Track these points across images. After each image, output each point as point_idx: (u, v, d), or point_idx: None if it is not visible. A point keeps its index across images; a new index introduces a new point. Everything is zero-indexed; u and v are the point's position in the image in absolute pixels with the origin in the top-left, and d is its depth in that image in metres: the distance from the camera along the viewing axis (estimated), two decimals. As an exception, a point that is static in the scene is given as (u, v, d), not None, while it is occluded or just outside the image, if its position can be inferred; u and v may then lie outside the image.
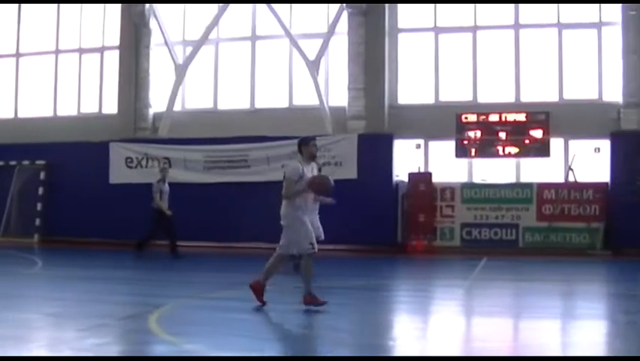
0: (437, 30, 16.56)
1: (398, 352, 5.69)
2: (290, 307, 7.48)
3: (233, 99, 17.45)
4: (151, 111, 17.58)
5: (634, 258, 13.60)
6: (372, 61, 16.34)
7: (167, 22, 17.49)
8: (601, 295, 9.56)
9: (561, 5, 15.98)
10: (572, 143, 15.99)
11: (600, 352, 5.67)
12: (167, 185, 13.42)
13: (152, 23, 17.35)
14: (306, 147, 7.43)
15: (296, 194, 7.19)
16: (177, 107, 17.49)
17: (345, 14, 16.43)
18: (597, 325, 7.03)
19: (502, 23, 16.30)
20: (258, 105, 17.25)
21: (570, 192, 15.33)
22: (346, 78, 16.50)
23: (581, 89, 16.02)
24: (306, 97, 16.79)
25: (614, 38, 15.88)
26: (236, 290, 8.68)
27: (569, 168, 15.81)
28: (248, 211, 15.35)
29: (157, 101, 17.64)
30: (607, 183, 15.19)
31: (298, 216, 7.23)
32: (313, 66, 16.44)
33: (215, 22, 17.04)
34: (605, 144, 15.36)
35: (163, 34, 17.37)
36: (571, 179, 15.70)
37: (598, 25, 16.04)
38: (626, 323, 6.98)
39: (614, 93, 15.83)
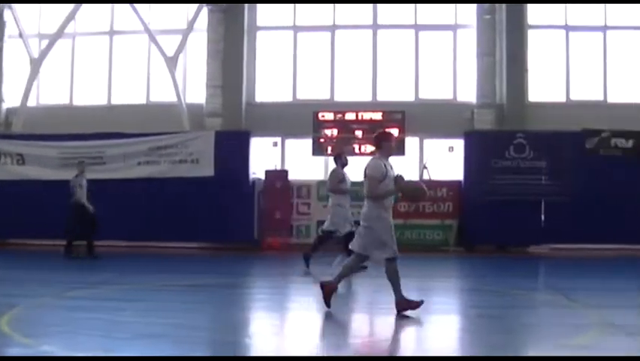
0: (296, 29, 17.60)
1: (255, 349, 5.96)
2: (147, 306, 7.78)
3: (90, 95, 18.06)
4: (4, 106, 17.99)
5: (485, 254, 14.72)
6: (230, 58, 17.20)
7: (23, 14, 18.08)
8: (454, 291, 10.34)
9: (418, 6, 17.29)
10: (426, 142, 17.08)
11: (452, 344, 6.35)
12: (85, 180, 13.58)
13: (7, 15, 17.91)
14: (388, 142, 7.22)
15: (386, 195, 7.03)
16: (32, 102, 17.93)
17: (204, 11, 17.38)
18: (450, 319, 7.71)
19: (361, 23, 17.49)
20: (115, 101, 17.85)
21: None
22: (204, 75, 17.33)
23: (436, 89, 17.19)
24: (163, 93, 17.50)
25: (469, 41, 17.23)
26: (90, 290, 8.90)
27: (423, 167, 16.91)
28: (102, 209, 15.61)
29: (10, 96, 18.11)
30: (460, 182, 16.11)
31: (384, 217, 7.06)
32: (171, 62, 17.19)
33: (72, 16, 17.65)
34: (459, 144, 16.33)
35: (18, 26, 17.95)
36: (425, 177, 16.74)
37: (453, 28, 17.38)
38: (477, 317, 7.69)
39: (468, 94, 17.07)
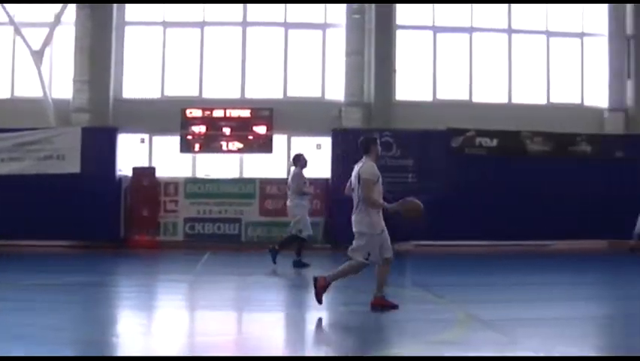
0: (165, 25, 19.94)
1: (122, 348, 6.56)
2: (11, 306, 8.45)
3: (-46, 89, 19.88)
4: None
5: None
6: (98, 53, 19.27)
7: None
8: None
9: (288, 5, 19.81)
10: (294, 139, 19.64)
11: (323, 341, 7.42)
12: None
13: None
14: (375, 145, 8.57)
15: (381, 207, 8.37)
16: None
17: (72, 5, 19.54)
18: (317, 315, 8.66)
19: (230, 20, 19.90)
20: (-22, 96, 19.77)
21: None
22: (72, 70, 19.49)
23: (304, 87, 19.73)
24: (29, 88, 19.48)
25: (338, 40, 19.90)
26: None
27: (290, 164, 19.44)
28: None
29: None
30: (328, 180, 18.47)
31: (380, 221, 8.42)
32: (37, 56, 19.12)
33: None
34: (327, 141, 18.81)
35: None
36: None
37: (323, 27, 20.01)
38: (347, 313, 8.94)
39: (336, 92, 19.68)
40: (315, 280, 8.58)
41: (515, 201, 17.96)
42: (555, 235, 18.36)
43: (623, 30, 20.12)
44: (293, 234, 13.54)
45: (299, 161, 13.63)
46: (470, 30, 19.75)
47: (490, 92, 19.81)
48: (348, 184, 8.80)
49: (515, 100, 19.88)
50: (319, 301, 8.52)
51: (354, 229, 8.50)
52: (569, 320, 8.48)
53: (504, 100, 19.81)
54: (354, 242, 8.52)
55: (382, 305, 8.47)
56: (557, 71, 20.18)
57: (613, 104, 20.06)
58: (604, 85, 20.13)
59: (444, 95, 19.70)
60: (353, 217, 8.52)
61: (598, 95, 20.18)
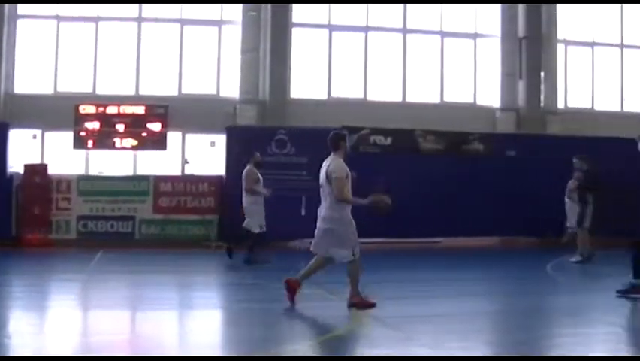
0: (59, 19, 21.27)
1: (14, 349, 6.83)
2: None
3: None
4: None
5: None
6: (-12, 47, 20.98)
7: None
8: (216, 285, 12.55)
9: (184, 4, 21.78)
10: (189, 136, 21.74)
11: (215, 339, 8.00)
12: None
13: None
14: (344, 142, 9.50)
15: (354, 203, 9.17)
16: None
17: (-40, -3, 21.05)
18: (212, 313, 9.44)
19: (125, 16, 21.77)
20: None
21: (186, 184, 20.16)
22: (-40, 64, 21.03)
23: (199, 84, 21.82)
24: None
25: (233, 36, 22.04)
26: None
27: (185, 161, 21.54)
28: None
29: None
30: (222, 177, 20.16)
31: (348, 217, 9.24)
32: None
33: None
34: (221, 139, 20.76)
35: None
36: (187, 172, 21.34)
37: (219, 23, 22.14)
38: (240, 311, 9.57)
39: (231, 89, 21.81)
40: (287, 282, 9.38)
41: (408, 199, 20.11)
42: (447, 232, 20.48)
43: (515, 31, 22.72)
44: (246, 232, 14.81)
45: (252, 159, 15.06)
46: (365, 29, 22.05)
47: (384, 91, 22.06)
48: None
49: (410, 99, 22.21)
50: (293, 302, 9.34)
51: (323, 226, 9.35)
52: (460, 315, 9.39)
53: (398, 99, 22.10)
54: (318, 238, 9.40)
55: (359, 305, 9.29)
56: (451, 70, 22.63)
57: (505, 103, 22.63)
58: (496, 85, 22.64)
59: (339, 93, 21.85)
60: (323, 214, 9.38)
61: (490, 95, 22.70)
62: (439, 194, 19.39)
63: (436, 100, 22.33)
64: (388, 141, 20.78)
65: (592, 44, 24.11)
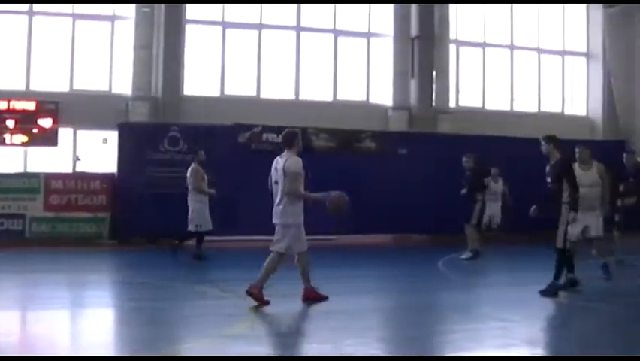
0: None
1: None
2: None
3: None
4: None
5: (139, 247, 18.78)
6: None
7: None
8: (108, 284, 12.92)
9: (76, -2, 23.02)
10: (80, 133, 23.01)
11: (107, 338, 8.29)
12: None
13: None
14: (298, 139, 10.24)
15: (304, 195, 9.90)
16: None
17: None
18: (104, 312, 9.71)
19: (16, 9, 22.79)
20: None
21: (78, 182, 21.14)
22: None
23: (91, 80, 23.12)
24: None
25: (126, 32, 23.36)
26: None
27: (76, 158, 22.71)
28: None
29: None
30: (114, 174, 21.28)
31: (301, 213, 9.91)
32: None
33: None
34: (114, 135, 21.97)
35: None
36: (79, 169, 22.49)
37: (111, 19, 23.31)
38: (132, 309, 9.85)
39: (123, 86, 23.18)
40: (250, 293, 9.94)
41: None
42: (340, 229, 21.64)
43: (408, 31, 24.81)
44: (191, 230, 15.98)
45: (197, 157, 16.14)
46: (259, 27, 23.82)
47: (278, 89, 23.90)
48: (269, 179, 10.36)
49: (303, 97, 24.07)
50: (267, 302, 9.94)
51: (277, 221, 10.10)
52: (354, 312, 9.93)
53: (291, 97, 23.90)
54: (278, 235, 10.14)
55: (314, 298, 10.12)
56: (344, 69, 24.59)
57: (397, 102, 24.70)
58: (389, 84, 24.63)
59: (232, 90, 23.54)
60: (277, 210, 10.10)
61: (383, 94, 24.70)
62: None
63: (329, 98, 24.15)
64: (281, 138, 21.95)
65: (483, 45, 26.40)
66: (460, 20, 25.92)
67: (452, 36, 25.52)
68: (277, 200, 10.18)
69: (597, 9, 27.48)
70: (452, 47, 25.58)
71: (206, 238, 17.83)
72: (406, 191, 21.87)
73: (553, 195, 11.85)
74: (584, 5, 27.58)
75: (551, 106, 27.72)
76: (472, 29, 26.25)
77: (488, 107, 26.31)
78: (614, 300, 11.43)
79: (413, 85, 24.66)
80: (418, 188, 21.91)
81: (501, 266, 16.80)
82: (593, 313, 10.61)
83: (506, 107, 26.69)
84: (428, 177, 21.65)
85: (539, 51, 27.51)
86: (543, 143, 11.84)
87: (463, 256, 16.59)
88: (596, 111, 27.98)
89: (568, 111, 28.05)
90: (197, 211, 16.04)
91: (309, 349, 8.05)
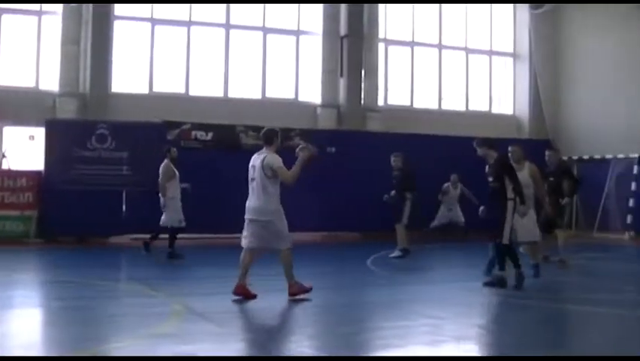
0: None
1: None
2: None
3: None
4: None
5: (66, 246, 18.78)
6: None
7: None
8: (34, 283, 12.89)
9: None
10: (6, 130, 22.94)
11: (35, 338, 8.30)
12: None
13: None
14: (277, 138, 10.79)
15: (298, 172, 10.51)
16: None
17: None
18: (30, 312, 9.78)
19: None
20: None
21: (4, 179, 20.99)
22: None
23: (17, 76, 22.96)
24: None
25: (53, 28, 23.33)
26: None
27: (2, 155, 22.58)
28: None
29: None
30: (41, 172, 21.19)
31: (281, 209, 10.54)
32: None
33: None
34: (41, 132, 21.83)
35: None
36: (5, 166, 22.20)
37: (38, 13, 23.42)
38: (60, 309, 9.95)
39: (51, 82, 23.14)
40: (237, 293, 10.53)
41: (231, 194, 21.94)
42: None
43: (337, 29, 25.19)
44: (175, 226, 16.27)
45: (169, 153, 16.46)
46: (188, 24, 24.01)
47: (207, 86, 24.14)
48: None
49: (232, 94, 24.31)
50: (254, 296, 10.58)
51: (259, 218, 10.63)
52: (283, 310, 10.30)
53: (220, 94, 24.12)
54: (248, 231, 10.77)
55: (299, 291, 10.64)
56: (273, 67, 24.92)
57: (326, 100, 25.13)
58: (318, 82, 25.03)
59: (161, 87, 23.69)
60: (256, 206, 10.66)
61: (312, 92, 25.08)
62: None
63: (258, 96, 24.41)
64: (209, 136, 22.71)
65: (412, 44, 26.97)
66: (389, 19, 26.40)
67: (381, 35, 25.97)
68: (253, 197, 10.74)
69: (524, 10, 28.14)
70: (381, 46, 26.03)
71: (136, 236, 18.47)
72: (335, 189, 22.45)
73: (496, 193, 12.40)
74: (511, 6, 28.26)
75: (479, 105, 28.37)
76: (401, 28, 26.72)
77: (417, 105, 26.83)
78: (543, 296, 11.97)
79: (342, 83, 25.04)
80: (346, 186, 22.48)
81: (431, 264, 17.21)
82: (522, 309, 10.95)
83: (434, 106, 27.21)
84: (357, 175, 22.04)
85: (467, 51, 28.08)
86: (477, 148, 12.30)
87: (393, 255, 16.94)
88: (523, 110, 28.69)
89: (495, 110, 28.72)
90: (174, 209, 16.47)
91: (238, 348, 8.16)
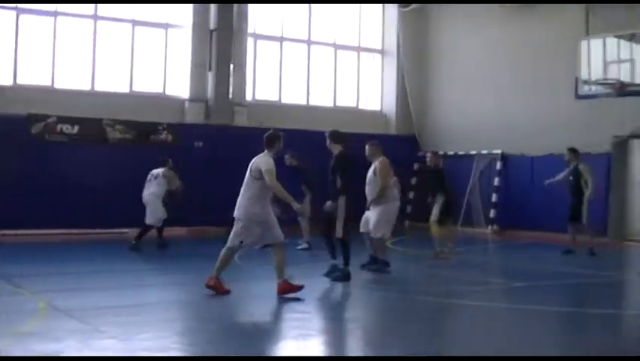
0: None
1: None
2: None
3: None
4: None
5: None
6: None
7: None
8: None
9: None
10: None
11: None
12: None
13: None
14: (279, 142, 11.78)
15: (281, 192, 11.38)
16: None
17: None
18: None
19: None
20: None
21: None
22: None
23: None
24: None
25: None
26: None
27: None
28: None
29: None
30: None
31: (270, 210, 11.46)
32: None
33: None
34: None
35: None
36: None
37: None
38: None
39: None
40: (209, 287, 11.49)
41: (96, 189, 22.79)
42: (135, 222, 21.89)
43: (207, 23, 26.04)
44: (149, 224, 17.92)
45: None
46: (55, 14, 24.30)
47: (73, 79, 24.55)
48: None
49: (98, 88, 24.89)
50: (227, 291, 11.49)
51: (256, 219, 11.48)
52: (145, 306, 10.69)
53: (87, 87, 24.67)
54: (237, 229, 11.61)
55: (290, 289, 11.39)
56: (141, 60, 25.57)
57: (194, 94, 25.97)
58: (186, 76, 25.89)
59: (25, 79, 24.03)
60: (245, 205, 11.51)
61: (180, 86, 25.92)
62: (127, 184, 20.75)
63: (126, 89, 24.94)
64: (75, 129, 23.38)
65: (281, 39, 28.00)
66: (259, 14, 27.24)
67: (251, 29, 26.81)
68: (245, 196, 11.55)
69: (392, 7, 29.62)
70: (250, 41, 26.91)
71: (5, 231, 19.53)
72: (202, 183, 23.54)
73: (334, 187, 13.76)
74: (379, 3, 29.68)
75: (347, 101, 29.64)
76: (271, 23, 27.62)
77: (285, 101, 27.88)
78: (400, 289, 13.03)
79: (210, 77, 25.82)
80: (215, 180, 23.60)
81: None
82: (377, 301, 11.93)
83: (303, 102, 28.34)
84: (225, 169, 22.98)
85: (336, 47, 29.31)
86: (327, 138, 13.67)
87: (299, 247, 18.37)
88: (390, 107, 30.24)
89: (363, 106, 30.12)
90: (157, 207, 18.53)
91: (101, 345, 8.27)
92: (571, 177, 18.93)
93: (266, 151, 11.63)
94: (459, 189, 25.22)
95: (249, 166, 11.53)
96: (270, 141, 11.69)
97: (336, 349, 8.87)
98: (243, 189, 11.49)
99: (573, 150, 19.29)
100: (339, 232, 13.08)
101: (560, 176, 19.73)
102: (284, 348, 8.83)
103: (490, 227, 24.89)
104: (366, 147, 15.08)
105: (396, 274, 14.30)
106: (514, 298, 12.42)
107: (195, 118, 25.50)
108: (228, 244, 11.56)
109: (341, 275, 13.16)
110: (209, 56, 25.90)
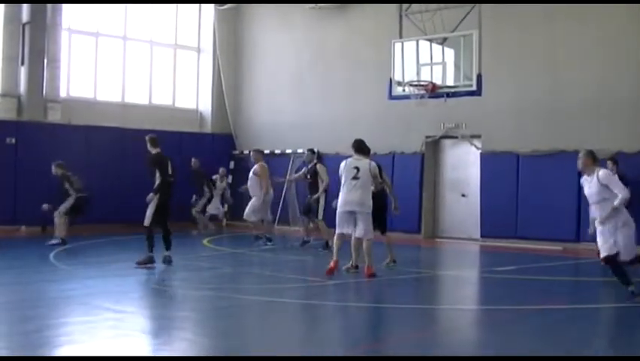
0: None
1: None
2: None
3: None
4: None
5: None
6: None
7: None
8: None
9: None
10: None
11: None
12: None
13: None
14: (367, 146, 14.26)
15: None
16: None
17: None
18: None
19: None
20: None
21: None
22: None
23: None
24: None
25: None
26: None
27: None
28: None
29: None
30: None
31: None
32: None
33: None
34: None
35: None
36: None
37: None
38: None
39: None
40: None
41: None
42: None
43: (19, 16, 25.92)
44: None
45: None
46: None
47: None
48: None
49: None
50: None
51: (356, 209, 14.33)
52: None
53: None
54: (358, 222, 14.32)
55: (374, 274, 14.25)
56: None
57: (6, 89, 25.78)
58: (-3, 70, 25.72)
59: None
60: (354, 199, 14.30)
61: (-9, 80, 25.68)
62: None
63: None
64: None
65: (96, 35, 28.22)
66: (74, 8, 27.16)
67: (65, 24, 26.80)
68: (356, 192, 14.06)
69: (209, 6, 30.44)
70: (65, 35, 26.92)
71: None
72: (16, 181, 23.82)
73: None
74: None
75: (163, 98, 30.16)
76: (86, 18, 27.70)
77: (100, 97, 28.10)
78: (219, 287, 13.57)
79: (23, 72, 25.67)
80: (27, 177, 23.79)
81: (110, 258, 18.37)
82: (208, 300, 12.32)
83: (118, 99, 28.70)
84: (38, 166, 23.20)
85: (152, 43, 29.80)
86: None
87: (51, 242, 19.08)
88: (206, 105, 31.00)
89: (179, 104, 30.71)
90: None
91: None
92: (309, 176, 20.48)
93: (361, 155, 14.77)
94: (276, 188, 25.94)
95: (357, 168, 14.34)
96: (364, 146, 14.68)
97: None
98: (359, 186, 14.40)
99: (312, 151, 21.15)
100: (146, 221, 15.34)
101: (300, 174, 21.95)
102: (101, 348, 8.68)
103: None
104: (251, 153, 18.96)
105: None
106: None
107: (7, 114, 25.40)
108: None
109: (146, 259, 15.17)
110: (21, 50, 25.68)
